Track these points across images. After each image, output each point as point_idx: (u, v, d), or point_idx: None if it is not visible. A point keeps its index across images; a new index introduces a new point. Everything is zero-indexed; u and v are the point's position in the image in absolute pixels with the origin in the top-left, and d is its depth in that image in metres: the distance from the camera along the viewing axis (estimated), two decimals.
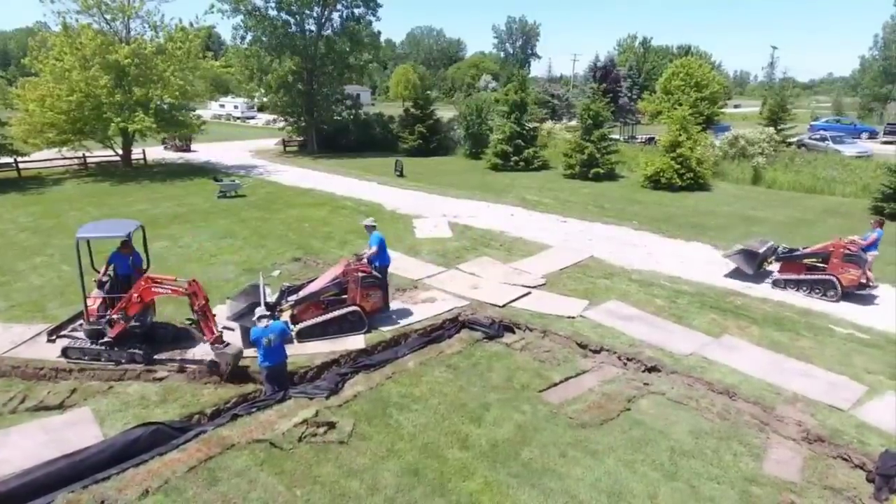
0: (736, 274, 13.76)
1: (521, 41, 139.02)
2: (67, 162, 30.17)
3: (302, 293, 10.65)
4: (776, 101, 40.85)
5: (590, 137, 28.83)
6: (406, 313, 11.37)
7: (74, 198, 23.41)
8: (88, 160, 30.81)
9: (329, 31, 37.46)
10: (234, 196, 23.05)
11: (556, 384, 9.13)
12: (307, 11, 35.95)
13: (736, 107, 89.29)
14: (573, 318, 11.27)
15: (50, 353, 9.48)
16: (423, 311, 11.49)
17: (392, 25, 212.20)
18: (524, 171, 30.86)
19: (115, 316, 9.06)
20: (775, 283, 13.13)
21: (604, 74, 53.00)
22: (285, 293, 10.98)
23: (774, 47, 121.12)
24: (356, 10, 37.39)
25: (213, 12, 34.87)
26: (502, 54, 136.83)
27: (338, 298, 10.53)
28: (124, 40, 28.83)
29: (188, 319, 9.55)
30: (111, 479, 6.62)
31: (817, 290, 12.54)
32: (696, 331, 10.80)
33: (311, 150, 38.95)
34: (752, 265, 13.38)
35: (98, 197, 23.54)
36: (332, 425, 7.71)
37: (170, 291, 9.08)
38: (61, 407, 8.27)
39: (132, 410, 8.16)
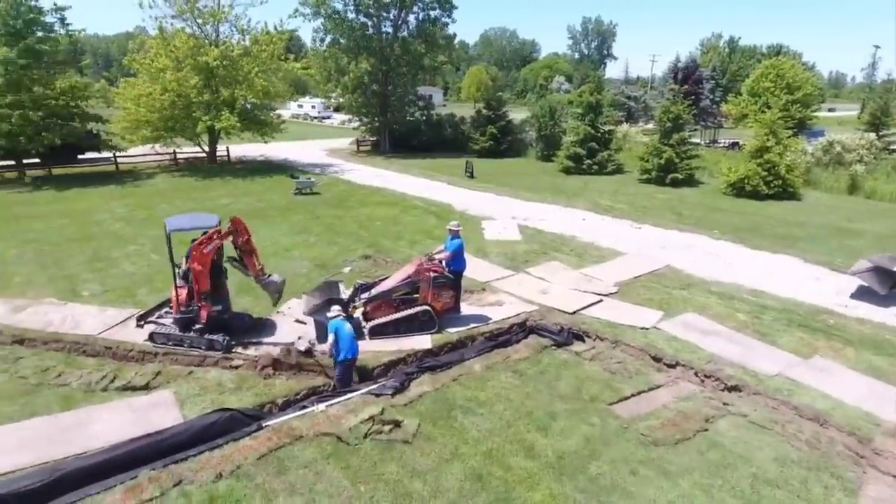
0: (863, 294, 12.54)
1: (596, 42, 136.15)
2: (159, 157, 32.33)
3: (375, 291, 10.78)
4: (878, 104, 37.87)
5: (668, 141, 27.72)
6: (473, 316, 11.28)
7: (164, 191, 24.97)
8: (178, 156, 32.81)
9: (405, 33, 38.08)
10: (310, 193, 23.80)
11: (627, 398, 8.77)
12: (384, 14, 36.71)
13: (830, 110, 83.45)
14: (647, 329, 10.80)
15: (138, 336, 10.09)
16: (490, 315, 11.36)
17: (466, 27, 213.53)
18: (597, 175, 30.09)
19: (194, 304, 9.50)
20: None
21: (685, 76, 50.81)
22: (359, 290, 11.16)
23: (877, 46, 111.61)
24: (432, 13, 37.80)
25: (295, 16, 36.26)
26: (577, 55, 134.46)
27: (409, 297, 10.60)
28: (213, 43, 30.42)
29: (229, 257, 9.97)
30: (188, 461, 6.93)
31: None
32: (783, 350, 10.07)
33: (383, 149, 39.71)
34: (886, 285, 12.14)
35: (185, 191, 24.98)
36: (397, 424, 7.73)
37: (216, 239, 9.47)
38: (146, 388, 8.76)
39: (209, 396, 8.52)
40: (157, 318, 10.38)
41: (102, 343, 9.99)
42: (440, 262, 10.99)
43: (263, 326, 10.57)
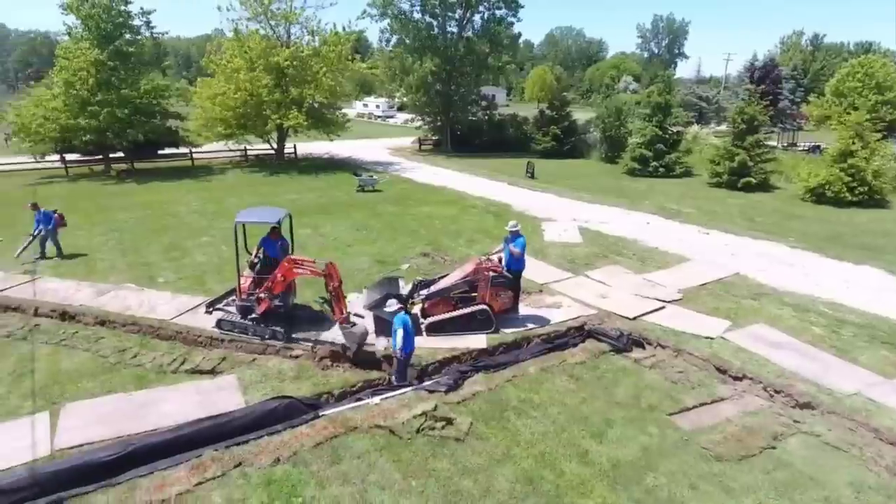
0: None
1: (667, 40, 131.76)
2: (231, 154, 33.86)
3: (433, 288, 10.87)
4: None
5: (742, 143, 26.45)
6: (529, 317, 11.16)
7: (235, 186, 26.11)
8: (248, 152, 34.24)
9: (469, 33, 38.16)
10: (372, 191, 24.25)
11: (688, 409, 8.43)
12: (449, 14, 36.93)
13: None
14: (712, 338, 10.34)
15: (206, 323, 10.58)
16: (547, 317, 11.21)
17: (531, 26, 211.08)
18: (664, 178, 29.09)
19: (262, 294, 9.87)
20: None
21: (762, 75, 48.47)
22: (418, 287, 11.27)
23: None
24: (497, 12, 37.68)
25: (363, 17, 37.06)
26: (646, 54, 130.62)
27: (468, 296, 10.62)
28: (285, 44, 31.53)
29: (321, 297, 10.15)
30: (249, 444, 7.22)
31: None
32: (863, 368, 9.40)
33: (444, 149, 39.95)
34: None
35: (254, 186, 26.02)
36: (449, 421, 7.75)
37: (308, 272, 9.70)
38: (212, 372, 9.18)
39: (270, 383, 8.83)
40: (225, 305, 10.85)
41: (174, 328, 10.55)
42: (499, 261, 10.94)
43: (323, 319, 10.86)
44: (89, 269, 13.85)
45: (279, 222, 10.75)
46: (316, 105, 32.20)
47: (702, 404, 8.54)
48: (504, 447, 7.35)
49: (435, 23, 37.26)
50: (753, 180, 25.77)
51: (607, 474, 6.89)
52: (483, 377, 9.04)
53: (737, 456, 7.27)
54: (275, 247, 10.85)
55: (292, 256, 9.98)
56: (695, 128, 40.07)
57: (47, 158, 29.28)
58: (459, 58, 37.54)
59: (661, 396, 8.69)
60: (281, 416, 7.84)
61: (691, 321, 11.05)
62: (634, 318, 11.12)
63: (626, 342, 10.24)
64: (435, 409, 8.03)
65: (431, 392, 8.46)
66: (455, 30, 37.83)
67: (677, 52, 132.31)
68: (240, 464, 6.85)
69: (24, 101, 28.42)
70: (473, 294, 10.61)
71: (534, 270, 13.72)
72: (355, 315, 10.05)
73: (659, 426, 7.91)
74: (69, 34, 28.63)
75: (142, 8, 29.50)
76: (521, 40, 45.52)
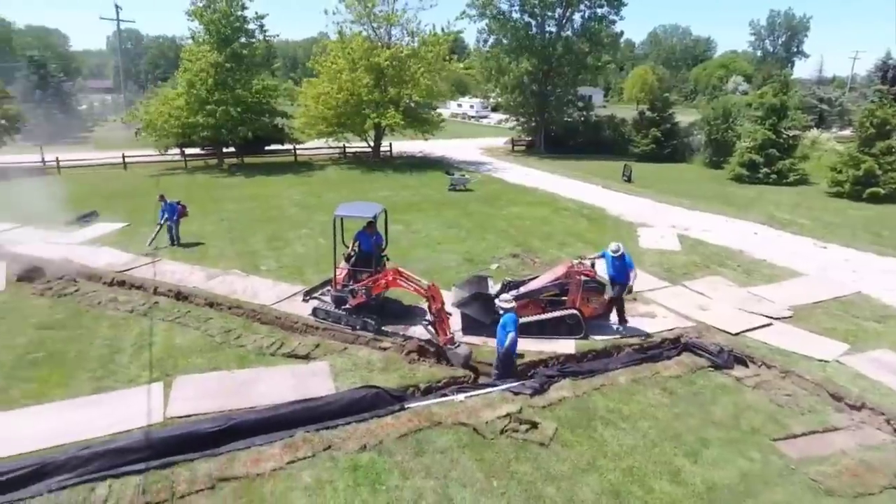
0: None
1: (784, 37, 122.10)
2: (330, 151, 35.41)
3: (523, 289, 10.73)
4: None
5: (870, 150, 24.00)
6: (619, 325, 10.75)
7: (333, 181, 27.27)
8: (347, 150, 35.63)
9: (569, 32, 37.40)
10: (463, 190, 24.42)
11: (796, 435, 7.75)
12: (548, 13, 36.38)
13: None
14: (826, 362, 9.46)
15: (303, 310, 11.13)
16: (640, 326, 10.75)
17: (633, 24, 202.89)
18: (775, 185, 27.00)
19: (358, 289, 10.19)
20: None
21: None
22: (506, 287, 11.20)
23: None
24: (599, 10, 36.65)
25: (462, 17, 37.35)
26: (759, 53, 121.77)
27: (557, 299, 10.41)
28: (385, 45, 32.48)
29: (425, 320, 10.04)
30: (337, 429, 7.49)
31: None
32: None
33: (538, 149, 39.46)
34: None
35: (351, 182, 27.04)
36: (534, 425, 7.63)
37: (412, 289, 9.83)
38: (307, 358, 9.62)
39: (359, 372, 9.12)
40: (320, 295, 11.34)
41: (274, 313, 11.18)
42: (591, 265, 10.63)
43: (413, 314, 11.06)
44: (202, 255, 14.99)
45: (375, 217, 11.08)
46: (412, 105, 32.92)
47: (812, 432, 7.83)
48: (590, 457, 7.12)
49: (533, 22, 36.89)
50: (882, 191, 23.28)
51: (701, 497, 6.49)
52: (570, 383, 8.81)
53: (852, 492, 6.59)
54: (369, 241, 11.20)
55: (401, 269, 10.01)
56: (814, 132, 36.85)
57: (169, 152, 32.10)
58: (557, 57, 36.88)
59: (764, 419, 8.06)
60: (368, 405, 8.08)
61: (802, 341, 10.17)
62: (737, 334, 10.40)
63: (726, 358, 9.60)
64: (520, 411, 7.93)
65: (517, 394, 8.37)
66: (553, 29, 37.21)
67: (795, 49, 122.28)
68: (329, 447, 7.12)
69: (152, 100, 31.37)
70: (563, 298, 10.38)
71: None
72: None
73: (761, 451, 7.34)
74: (192, 38, 31.22)
75: (256, 13, 31.56)
76: (622, 39, 44.01)
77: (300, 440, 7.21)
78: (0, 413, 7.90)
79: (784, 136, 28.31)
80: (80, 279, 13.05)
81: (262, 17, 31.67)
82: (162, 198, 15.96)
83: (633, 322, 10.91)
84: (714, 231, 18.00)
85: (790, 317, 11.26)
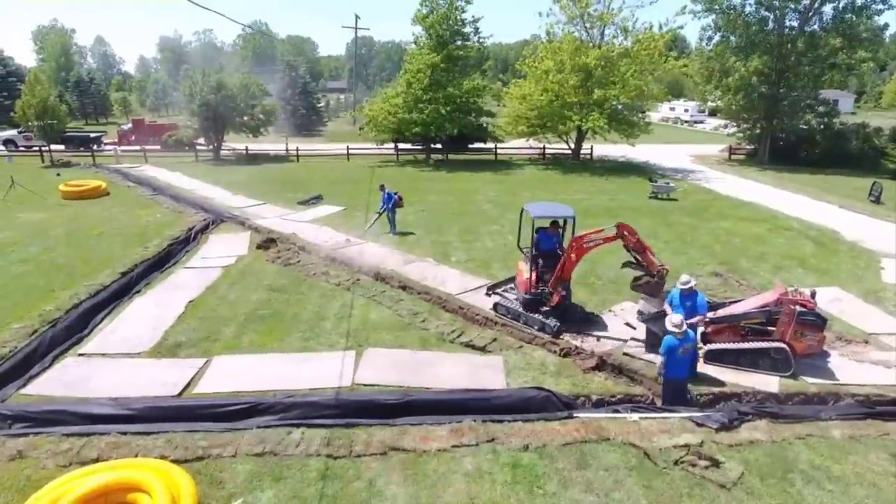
0: None
1: None
2: (530, 151, 35.84)
3: (721, 312, 9.66)
4: None
5: None
6: (842, 369, 9.10)
7: (529, 181, 27.51)
8: (546, 151, 35.67)
9: (815, 26, 32.41)
10: (666, 199, 22.80)
11: None
12: (791, 5, 31.90)
13: None
14: None
15: (485, 304, 11.46)
16: (869, 374, 8.98)
17: None
18: None
19: (551, 289, 10.16)
20: None
21: None
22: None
23: None
24: (858, 0, 31.08)
25: (683, 13, 34.64)
26: None
27: (762, 328, 9.22)
28: (595, 45, 31.67)
29: (626, 262, 10.10)
30: (503, 424, 7.58)
31: None
32: None
33: (760, 159, 35.05)
34: None
35: (547, 183, 27.00)
36: (716, 463, 6.85)
37: (601, 240, 9.68)
38: (483, 350, 9.89)
39: (531, 372, 9.10)
40: (503, 291, 11.56)
41: (458, 303, 11.72)
42: (813, 295, 9.17)
43: (593, 322, 10.70)
44: (401, 241, 16.30)
45: (563, 220, 10.93)
46: (619, 107, 31.64)
47: None
48: None
49: (771, 16, 32.70)
50: None
51: None
52: (767, 425, 7.71)
53: None
54: (550, 240, 11.11)
55: (577, 236, 9.90)
56: None
57: (385, 146, 35.41)
58: (796, 55, 32.25)
59: None
60: (537, 406, 8.05)
61: None
62: None
63: None
64: (701, 444, 7.18)
65: (700, 425, 7.59)
66: (795, 23, 32.57)
67: None
68: (493, 439, 7.24)
69: (376, 99, 34.94)
70: (770, 328, 9.12)
71: (861, 316, 11.19)
72: (626, 324, 9.62)
73: None
74: (415, 42, 33.95)
75: (472, 16, 33.15)
76: (887, 33, 36.81)
77: (467, 427, 7.45)
78: (232, 356, 9.56)
79: None
80: (302, 252, 15.13)
81: (478, 20, 33.15)
82: (382, 187, 17.58)
83: (860, 367, 9.16)
84: None
85: None
